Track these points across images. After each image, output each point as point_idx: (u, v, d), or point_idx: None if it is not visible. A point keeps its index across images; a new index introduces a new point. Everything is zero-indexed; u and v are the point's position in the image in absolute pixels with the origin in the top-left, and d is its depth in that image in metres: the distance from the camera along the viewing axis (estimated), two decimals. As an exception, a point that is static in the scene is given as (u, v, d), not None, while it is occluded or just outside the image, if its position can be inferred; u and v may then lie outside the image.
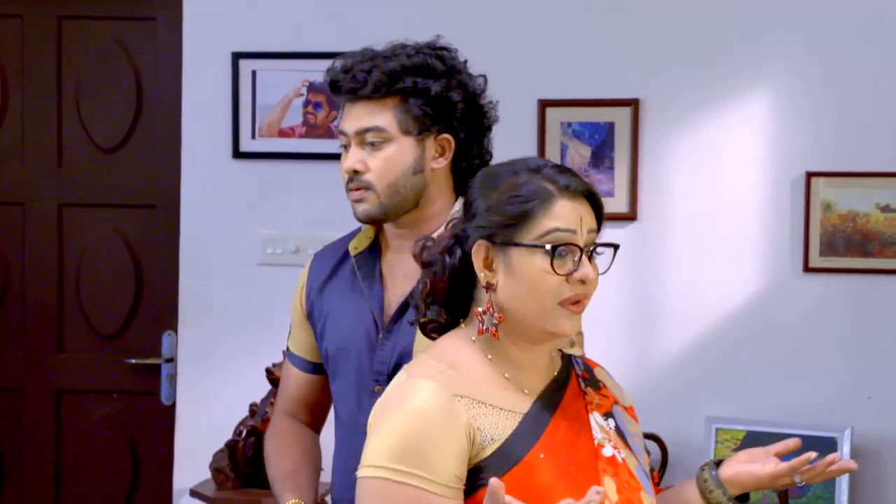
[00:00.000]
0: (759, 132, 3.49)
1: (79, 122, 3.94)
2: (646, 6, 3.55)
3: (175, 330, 3.84)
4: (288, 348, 2.37)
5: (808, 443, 3.20)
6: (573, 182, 1.76)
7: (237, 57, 3.70)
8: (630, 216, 3.51)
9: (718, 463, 1.91)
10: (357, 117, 2.12)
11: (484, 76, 2.21)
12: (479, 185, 1.82)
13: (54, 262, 3.96)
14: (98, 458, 3.94)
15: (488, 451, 1.71)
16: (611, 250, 1.79)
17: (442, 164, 2.16)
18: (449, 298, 1.84)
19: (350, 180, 2.15)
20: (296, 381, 2.35)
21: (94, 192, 3.94)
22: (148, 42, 3.90)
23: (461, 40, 3.56)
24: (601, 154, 3.53)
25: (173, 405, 3.85)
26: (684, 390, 3.53)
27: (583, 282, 1.73)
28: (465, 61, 2.19)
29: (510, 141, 3.54)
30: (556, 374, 1.83)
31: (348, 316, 2.21)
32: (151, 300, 3.92)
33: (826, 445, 3.28)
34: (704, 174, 3.52)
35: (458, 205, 2.19)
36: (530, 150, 3.54)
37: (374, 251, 2.23)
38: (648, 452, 2.00)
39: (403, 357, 2.13)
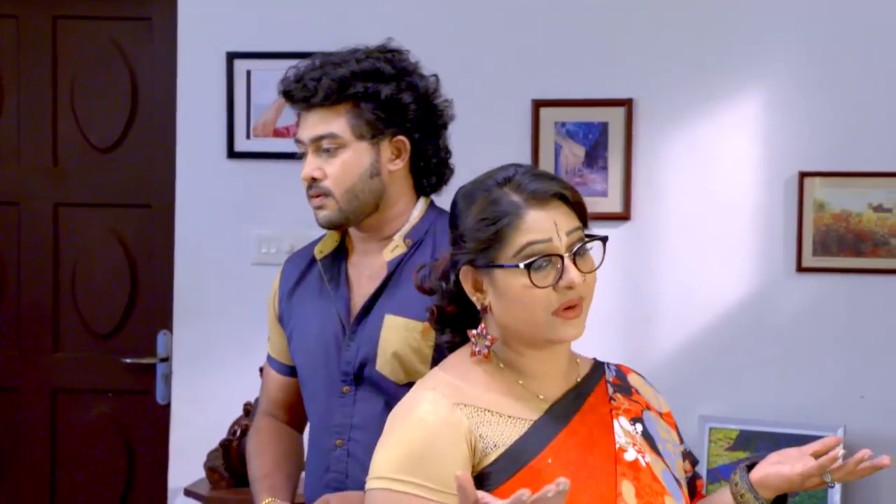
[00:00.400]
0: (753, 132, 3.50)
1: (74, 121, 3.95)
2: (640, 7, 3.56)
3: (170, 329, 3.84)
4: (268, 353, 2.40)
5: (801, 441, 3.22)
6: (541, 187, 1.75)
7: (232, 57, 3.71)
8: (624, 216, 3.52)
9: (752, 466, 1.87)
10: (311, 125, 2.16)
11: (436, 76, 2.25)
12: (458, 209, 1.83)
13: (50, 262, 3.97)
14: (93, 457, 3.95)
15: (491, 458, 1.73)
16: (604, 244, 1.77)
17: (399, 165, 2.19)
18: (460, 319, 1.86)
19: (309, 187, 2.18)
20: (275, 383, 2.38)
21: (89, 192, 3.96)
22: (143, 42, 3.91)
23: (456, 41, 3.61)
24: (595, 154, 3.54)
25: (168, 404, 3.86)
26: (678, 389, 3.51)
27: (570, 287, 1.73)
28: (417, 62, 2.24)
29: (505, 141, 3.59)
30: (578, 380, 1.84)
31: (316, 320, 2.24)
32: (147, 299, 3.93)
33: (819, 444, 3.30)
34: (698, 174, 3.53)
35: (421, 204, 2.25)
36: (524, 150, 3.55)
37: (340, 254, 2.26)
38: (694, 461, 1.96)
39: (368, 357, 2.17)
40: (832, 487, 1.81)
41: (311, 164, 2.16)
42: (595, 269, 1.77)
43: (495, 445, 1.73)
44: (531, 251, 1.73)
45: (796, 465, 1.82)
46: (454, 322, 1.87)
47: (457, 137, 3.59)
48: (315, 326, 2.24)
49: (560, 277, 1.72)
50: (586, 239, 1.77)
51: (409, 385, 2.04)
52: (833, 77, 3.48)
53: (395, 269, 2.20)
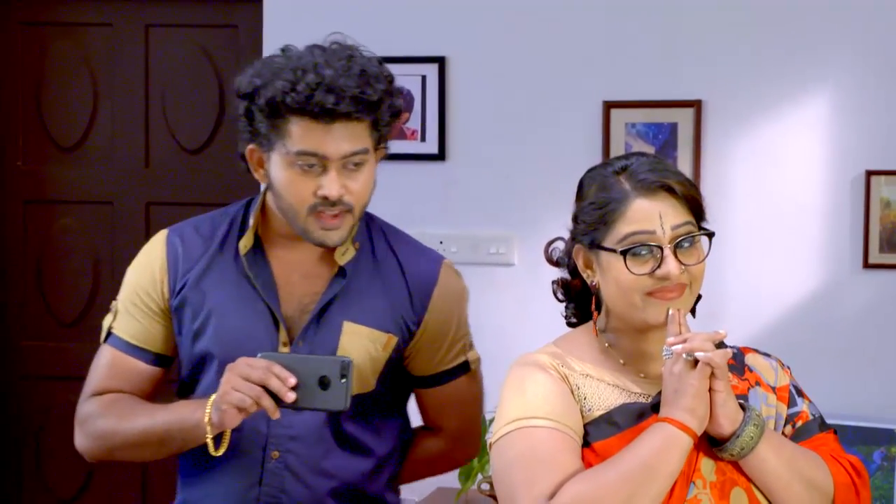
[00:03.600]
0: (819, 132, 3.54)
1: (165, 124, 4.05)
2: (708, 9, 3.61)
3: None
4: (118, 336, 2.17)
5: (867, 434, 3.29)
6: (649, 177, 1.82)
7: (314, 62, 3.83)
8: (693, 214, 3.57)
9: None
10: (339, 140, 2.00)
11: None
12: (581, 188, 1.92)
13: (142, 258, 4.11)
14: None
15: (589, 419, 1.84)
16: (710, 238, 1.86)
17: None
18: (584, 295, 1.94)
19: (331, 205, 2.03)
20: (143, 375, 2.16)
21: (179, 192, 4.05)
22: (230, 48, 4.01)
23: (530, 46, 3.71)
24: (664, 154, 3.59)
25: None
26: (745, 383, 3.58)
27: (666, 278, 1.80)
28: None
29: (576, 141, 3.68)
30: None
31: (239, 317, 2.11)
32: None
33: (886, 436, 3.33)
34: (765, 173, 3.57)
35: None
36: (595, 150, 3.63)
37: (258, 248, 2.15)
38: (813, 420, 1.96)
39: None
40: (668, 356, 1.79)
41: (338, 182, 2.02)
42: (699, 262, 1.84)
43: (592, 408, 1.84)
44: (633, 240, 1.81)
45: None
46: (578, 297, 1.97)
47: (531, 137, 3.73)
48: (237, 322, 2.11)
49: (657, 267, 1.81)
50: (692, 233, 1.83)
51: (357, 397, 2.09)
52: (898, 77, 3.51)
53: (350, 274, 2.12)
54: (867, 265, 3.52)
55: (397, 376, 2.23)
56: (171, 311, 2.17)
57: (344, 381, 1.98)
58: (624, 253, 1.81)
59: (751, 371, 1.96)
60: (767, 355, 2.02)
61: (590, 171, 1.94)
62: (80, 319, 4.14)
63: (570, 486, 1.74)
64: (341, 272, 2.14)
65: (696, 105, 3.59)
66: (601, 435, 1.83)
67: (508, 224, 3.69)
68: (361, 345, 2.13)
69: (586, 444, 1.83)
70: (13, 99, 4.12)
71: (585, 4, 3.68)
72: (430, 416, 2.32)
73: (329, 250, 2.13)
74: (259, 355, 2.00)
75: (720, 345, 1.92)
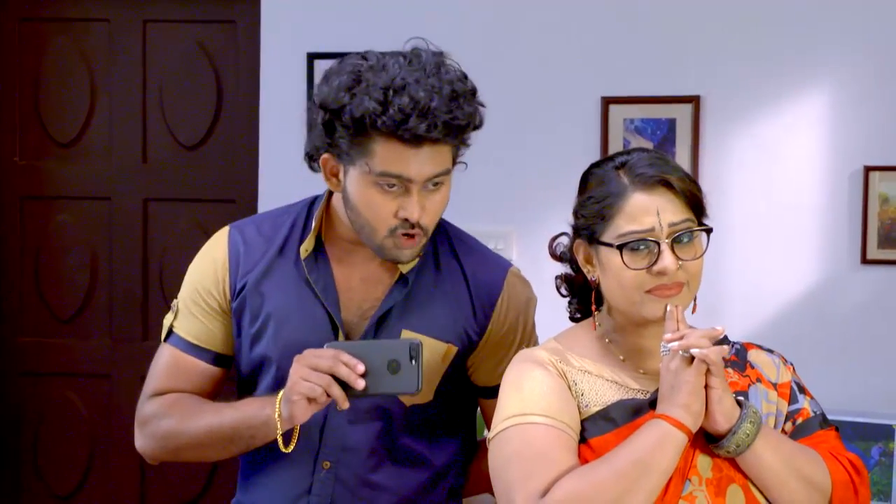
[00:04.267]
0: (817, 128, 3.54)
1: (162, 120, 4.04)
2: (706, 5, 3.61)
3: (252, 319, 3.96)
4: (179, 335, 2.14)
5: (866, 429, 3.29)
6: (647, 172, 1.82)
7: (312, 58, 3.80)
8: (691, 210, 3.58)
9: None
10: (424, 162, 1.95)
11: None
12: (583, 182, 1.92)
13: (139, 254, 4.08)
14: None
15: (586, 415, 1.85)
16: (707, 235, 1.85)
17: None
18: (586, 290, 1.95)
19: (411, 227, 1.99)
20: (200, 376, 2.13)
21: (176, 188, 4.05)
22: (227, 44, 4.00)
23: (529, 41, 3.70)
24: (663, 149, 3.58)
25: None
26: (744, 379, 3.59)
27: (662, 273, 1.81)
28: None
29: (575, 136, 3.68)
30: None
31: (297, 322, 2.08)
32: (231, 290, 4.05)
33: (884, 432, 3.34)
34: (763, 169, 3.58)
35: None
36: (594, 146, 3.63)
37: (320, 251, 2.11)
38: (812, 417, 1.95)
39: None
40: (666, 354, 1.80)
41: (419, 205, 1.97)
42: (697, 258, 1.84)
43: (589, 405, 1.85)
44: (630, 236, 1.81)
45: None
46: (581, 292, 1.97)
47: (529, 133, 3.73)
48: (296, 328, 2.08)
49: (654, 262, 1.81)
50: (690, 228, 1.83)
51: (413, 409, 2.08)
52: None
53: (412, 282, 2.08)
54: (865, 261, 3.52)
55: (459, 387, 2.17)
56: (231, 310, 2.13)
57: (414, 363, 1.95)
58: (621, 247, 1.81)
59: (752, 367, 1.96)
60: (770, 351, 2.01)
61: (592, 165, 1.94)
62: (78, 316, 4.13)
63: (563, 483, 1.75)
64: (403, 279, 2.09)
65: (694, 101, 3.59)
66: (597, 431, 1.84)
67: (507, 220, 3.69)
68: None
69: (583, 440, 1.84)
70: (10, 94, 4.11)
71: (585, 2, 3.67)
72: None
73: None
74: (326, 345, 1.98)
75: (723, 340, 1.93)
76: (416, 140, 1.91)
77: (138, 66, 4.06)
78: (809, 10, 3.55)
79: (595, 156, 3.63)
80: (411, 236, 2.00)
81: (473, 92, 2.01)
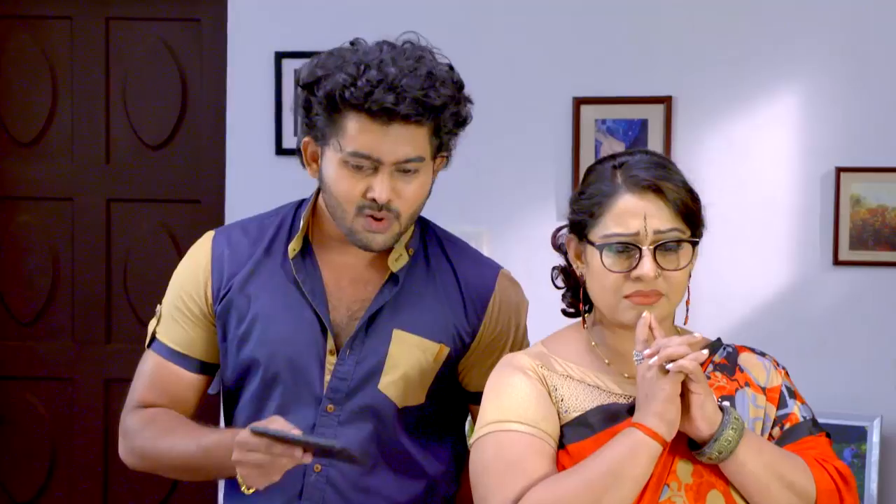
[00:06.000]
0: (790, 128, 3.55)
1: (126, 119, 4.02)
2: (678, 5, 3.61)
3: (219, 321, 3.92)
4: (161, 342, 2.11)
5: (839, 431, 3.28)
6: (640, 175, 1.80)
7: (280, 56, 3.79)
8: (663, 211, 3.57)
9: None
10: (394, 143, 1.93)
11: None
12: (582, 178, 1.91)
13: (102, 255, 4.05)
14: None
15: (566, 420, 1.83)
16: (693, 247, 1.83)
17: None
18: (579, 284, 1.91)
19: (378, 208, 1.96)
20: (184, 384, 2.11)
21: (140, 188, 4.03)
22: (192, 42, 3.98)
23: (499, 40, 3.68)
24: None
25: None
26: (716, 381, 3.58)
27: (639, 279, 1.78)
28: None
29: (546, 137, 3.66)
30: None
31: (285, 323, 2.04)
32: (196, 293, 4.01)
33: (856, 434, 3.35)
34: (735, 170, 3.58)
35: None
36: (565, 147, 3.62)
37: (307, 250, 2.08)
38: (802, 423, 1.91)
39: (371, 374, 2.02)
40: (639, 362, 1.78)
41: (387, 186, 1.94)
42: (679, 269, 1.81)
43: (569, 410, 1.83)
44: (614, 236, 1.79)
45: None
46: (575, 287, 1.94)
47: (500, 134, 3.70)
48: (284, 329, 2.04)
49: (634, 267, 1.79)
50: (678, 238, 1.80)
51: (406, 410, 2.05)
52: (868, 73, 3.52)
53: (403, 281, 2.05)
54: (837, 262, 3.53)
55: (450, 392, 2.13)
56: (214, 315, 2.09)
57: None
58: (601, 248, 1.79)
59: (741, 371, 1.93)
60: (763, 355, 1.99)
61: (597, 161, 1.93)
62: (40, 318, 4.09)
63: (533, 493, 1.75)
64: (393, 279, 2.06)
65: (666, 101, 3.59)
66: (576, 437, 1.82)
67: (478, 220, 3.66)
68: (411, 354, 2.04)
69: (561, 445, 1.83)
70: (-30, 93, 4.06)
71: (555, 2, 3.66)
72: None
73: (381, 255, 2.06)
74: (250, 427, 1.85)
75: (717, 342, 1.92)
76: (384, 114, 1.90)
77: (101, 65, 4.03)
78: (781, 12, 3.56)
79: (566, 156, 3.64)
80: (379, 219, 1.97)
81: (458, 84, 2.00)
